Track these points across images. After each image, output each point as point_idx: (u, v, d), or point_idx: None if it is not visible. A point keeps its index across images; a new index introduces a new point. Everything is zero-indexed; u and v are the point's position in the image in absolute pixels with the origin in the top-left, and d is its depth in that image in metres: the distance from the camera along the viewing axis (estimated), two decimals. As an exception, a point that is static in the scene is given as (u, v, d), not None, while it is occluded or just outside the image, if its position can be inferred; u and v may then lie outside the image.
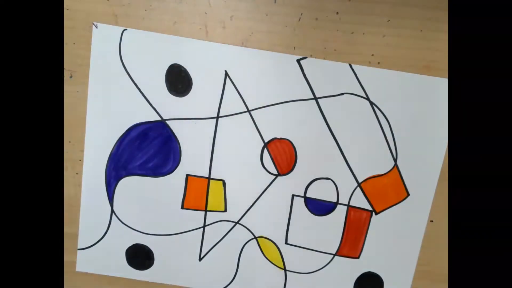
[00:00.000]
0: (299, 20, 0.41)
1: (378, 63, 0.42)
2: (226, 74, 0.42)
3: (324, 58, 0.42)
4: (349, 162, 0.44)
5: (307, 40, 0.41)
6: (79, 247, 0.47)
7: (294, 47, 0.41)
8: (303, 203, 0.45)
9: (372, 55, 0.41)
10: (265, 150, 0.44)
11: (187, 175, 0.45)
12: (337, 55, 0.41)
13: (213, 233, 0.46)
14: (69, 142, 0.44)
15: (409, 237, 0.46)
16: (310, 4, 0.40)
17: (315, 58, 0.42)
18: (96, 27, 0.41)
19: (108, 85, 0.43)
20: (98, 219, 0.46)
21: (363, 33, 0.41)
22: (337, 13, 0.41)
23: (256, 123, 0.43)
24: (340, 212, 0.45)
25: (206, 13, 0.41)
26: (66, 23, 0.41)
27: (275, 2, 0.41)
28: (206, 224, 0.46)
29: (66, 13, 0.41)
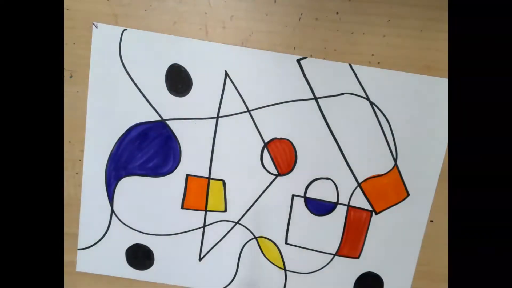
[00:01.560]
0: (299, 20, 0.41)
1: (378, 63, 0.42)
2: (226, 74, 0.42)
3: (324, 58, 0.42)
4: (349, 162, 0.44)
5: (307, 40, 0.41)
6: (79, 247, 0.47)
7: (294, 47, 0.41)
8: (303, 203, 0.45)
9: (372, 55, 0.42)
10: (265, 150, 0.44)
11: (187, 175, 0.45)
12: (337, 55, 0.41)
13: (213, 233, 0.46)
14: (69, 142, 0.44)
15: (409, 237, 0.46)
16: (310, 4, 0.40)
17: (315, 58, 0.42)
18: (96, 27, 0.41)
19: (108, 85, 0.43)
20: (98, 219, 0.46)
21: (363, 33, 0.41)
22: (337, 13, 0.41)
23: (256, 123, 0.43)
24: (340, 212, 0.45)
25: (206, 13, 0.41)
26: (66, 23, 0.41)
27: (275, 2, 0.41)
28: (206, 224, 0.46)
29: (66, 13, 0.41)
